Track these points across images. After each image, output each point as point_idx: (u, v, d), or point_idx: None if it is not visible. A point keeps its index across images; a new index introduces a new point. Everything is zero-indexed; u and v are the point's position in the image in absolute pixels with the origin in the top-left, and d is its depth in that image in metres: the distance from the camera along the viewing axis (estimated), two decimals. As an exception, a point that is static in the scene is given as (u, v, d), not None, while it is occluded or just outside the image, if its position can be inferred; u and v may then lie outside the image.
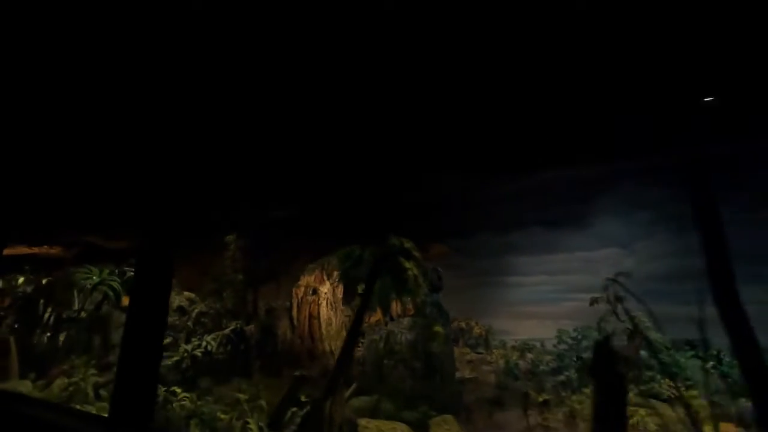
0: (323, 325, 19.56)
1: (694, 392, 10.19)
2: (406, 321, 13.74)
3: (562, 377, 14.53)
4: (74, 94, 6.57)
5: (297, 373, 11.67)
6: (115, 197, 7.22)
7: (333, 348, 19.35)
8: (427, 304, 14.31)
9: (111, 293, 12.78)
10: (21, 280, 17.25)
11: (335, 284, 20.52)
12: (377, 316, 14.31)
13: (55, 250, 13.64)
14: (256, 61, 5.81)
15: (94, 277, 12.51)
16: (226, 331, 15.30)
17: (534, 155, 18.07)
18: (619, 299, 14.77)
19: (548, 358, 17.07)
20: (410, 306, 14.04)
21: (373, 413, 11.13)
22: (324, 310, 19.79)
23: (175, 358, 12.57)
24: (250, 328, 16.50)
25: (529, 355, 17.12)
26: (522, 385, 14.42)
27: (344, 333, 20.46)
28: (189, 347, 13.66)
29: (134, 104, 6.81)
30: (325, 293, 20.13)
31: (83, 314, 12.13)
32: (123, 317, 13.25)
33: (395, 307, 14.22)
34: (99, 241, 12.71)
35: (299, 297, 20.03)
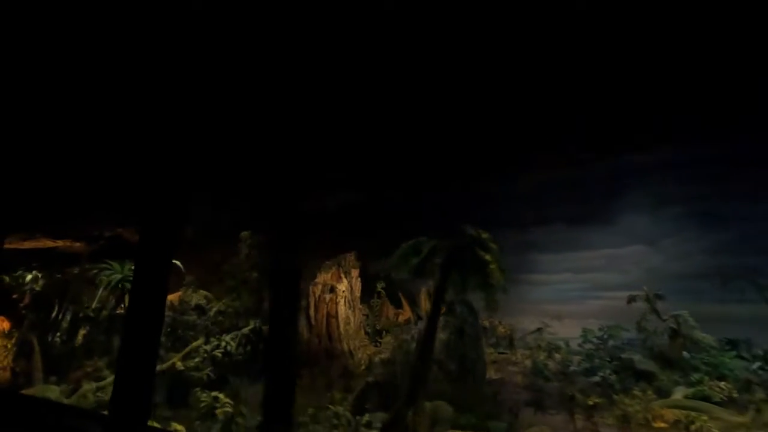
0: (341, 325, 18.97)
1: (762, 395, 9.60)
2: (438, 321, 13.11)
3: (596, 378, 13.96)
4: (92, 86, 6.17)
5: (370, 379, 10.97)
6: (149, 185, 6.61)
7: (351, 348, 18.77)
8: (457, 303, 13.70)
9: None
10: (29, 276, 16.57)
11: (353, 282, 19.93)
12: (405, 314, 13.69)
13: (78, 244, 12.95)
14: (284, 48, 5.38)
15: (117, 274, 11.75)
16: (245, 330, 14.66)
17: (556, 151, 17.58)
18: (659, 297, 14.19)
19: (577, 358, 16.47)
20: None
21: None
22: (342, 309, 19.19)
23: (197, 360, 11.94)
24: (267, 328, 15.80)
25: (557, 355, 16.51)
26: (554, 387, 13.83)
27: (362, 332, 19.92)
28: (209, 348, 13.02)
29: (154, 92, 6.40)
30: (343, 291, 19.54)
31: (104, 313, 11.42)
32: None
33: (424, 305, 13.60)
34: (128, 234, 11.99)
35: (316, 295, 19.43)
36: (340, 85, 6.57)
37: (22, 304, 12.17)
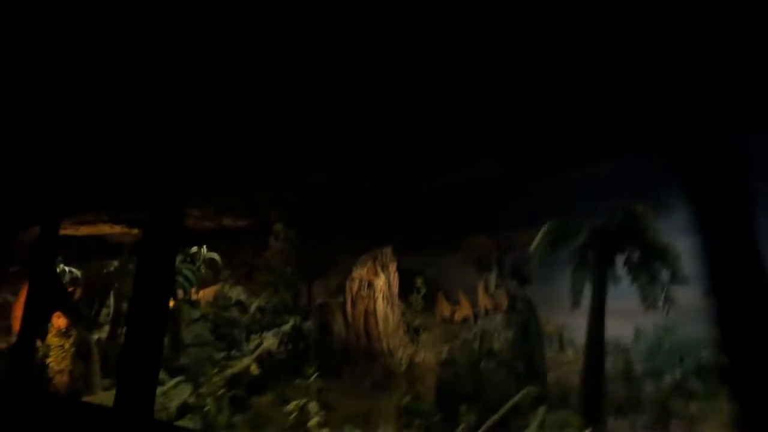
0: (380, 322, 17.99)
1: None
2: (499, 317, 12.18)
3: (667, 379, 12.93)
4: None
5: (527, 390, 9.96)
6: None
7: (391, 347, 17.83)
8: (518, 299, 12.73)
9: (186, 284, 11.13)
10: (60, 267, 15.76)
11: (391, 277, 18.97)
12: (463, 311, 12.75)
13: (136, 231, 12.00)
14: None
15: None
16: (286, 327, 13.78)
17: (605, 140, 16.47)
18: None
19: (633, 358, 15.39)
20: (502, 300, 12.46)
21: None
22: (380, 306, 18.22)
23: (246, 359, 11.07)
24: (308, 325, 14.96)
25: (612, 356, 15.42)
26: (619, 389, 12.81)
27: (401, 330, 18.98)
28: (252, 346, 12.15)
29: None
30: (381, 287, 18.56)
31: None
32: (193, 312, 11.93)
33: (483, 301, 12.65)
34: (193, 218, 11.01)
35: (353, 291, 18.46)
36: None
37: (75, 298, 11.26)
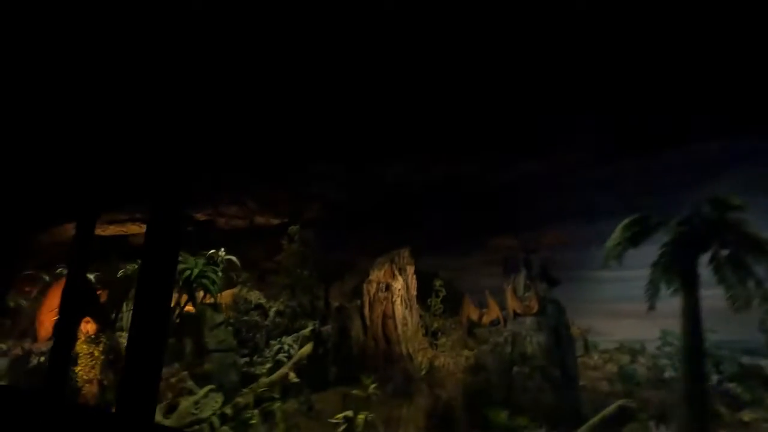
0: (399, 326, 17.54)
1: None
2: (529, 321, 11.70)
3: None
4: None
5: (621, 403, 9.40)
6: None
7: (411, 351, 17.36)
8: (548, 301, 12.26)
9: (212, 286, 10.66)
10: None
11: (409, 279, 18.53)
12: (492, 314, 12.28)
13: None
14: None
15: (195, 269, 10.30)
16: (305, 332, 13.35)
17: (631, 136, 16.03)
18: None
19: (665, 362, 14.88)
20: (531, 303, 11.99)
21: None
22: (399, 309, 17.79)
23: (268, 365, 10.63)
24: (327, 329, 14.54)
25: (642, 360, 14.94)
26: (654, 395, 12.30)
27: (420, 334, 18.50)
28: (272, 351, 11.72)
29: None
30: (399, 290, 18.12)
31: (176, 312, 10.02)
32: (216, 316, 11.52)
33: (512, 304, 12.18)
34: (229, 216, 10.52)
35: (371, 294, 18.02)
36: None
37: (102, 301, 10.74)
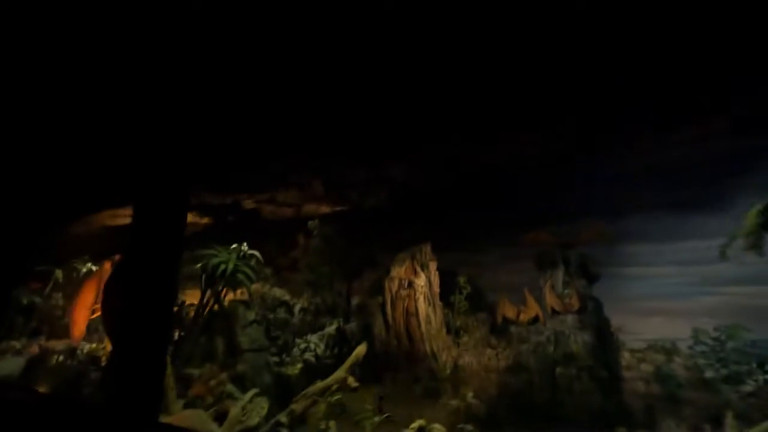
0: (422, 324, 17.00)
1: None
2: (570, 318, 11.13)
3: (748, 387, 11.85)
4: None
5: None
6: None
7: (435, 349, 16.83)
8: (588, 298, 11.69)
9: (248, 283, 10.01)
10: (86, 266, 14.83)
11: (432, 276, 17.98)
12: (530, 312, 11.72)
13: (205, 220, 10.81)
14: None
15: (230, 263, 9.57)
16: (330, 330, 12.80)
17: (655, 128, 15.43)
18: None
19: (703, 362, 14.32)
20: (572, 300, 11.42)
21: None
22: (422, 306, 17.24)
23: (299, 365, 10.07)
24: (350, 327, 13.99)
25: (678, 359, 14.38)
26: (700, 397, 11.76)
27: (444, 332, 17.95)
28: (299, 350, 11.17)
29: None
30: (422, 286, 17.58)
31: (206, 309, 9.34)
32: (249, 314, 10.93)
33: (550, 301, 11.62)
34: (276, 204, 9.73)
35: (393, 291, 17.48)
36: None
37: None
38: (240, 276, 9.45)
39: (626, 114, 12.63)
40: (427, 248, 18.41)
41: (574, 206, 19.16)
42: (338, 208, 11.83)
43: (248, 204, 9.75)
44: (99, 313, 6.17)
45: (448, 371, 16.56)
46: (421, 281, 17.60)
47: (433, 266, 18.12)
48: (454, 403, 14.04)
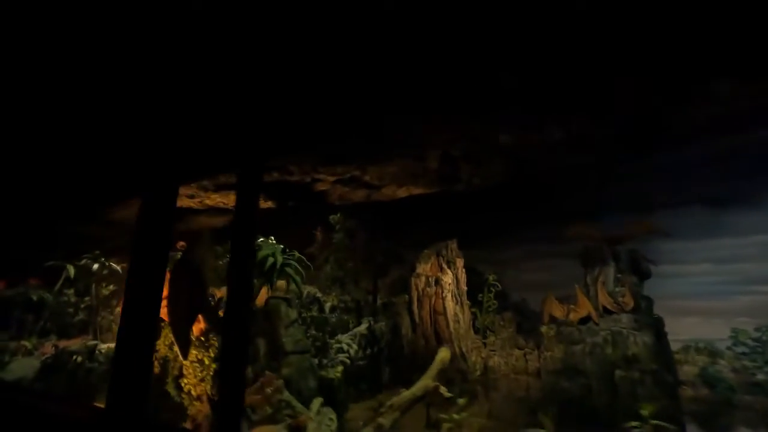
0: (450, 323, 16.25)
1: None
2: (625, 318, 10.42)
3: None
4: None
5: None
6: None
7: (464, 349, 16.10)
8: (640, 297, 10.98)
9: (297, 278, 9.12)
10: (95, 266, 13.98)
11: (459, 273, 17.24)
12: (581, 311, 11.00)
13: (269, 203, 9.91)
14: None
15: (278, 255, 8.67)
16: (362, 329, 12.07)
17: (688, 120, 14.75)
18: None
19: (750, 363, 13.66)
20: (626, 298, 10.71)
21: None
22: (450, 305, 16.50)
23: (340, 368, 9.29)
24: (380, 326, 13.26)
25: (722, 361, 13.71)
26: (758, 401, 11.08)
27: (472, 332, 17.22)
28: (333, 353, 10.41)
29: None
30: (449, 284, 16.84)
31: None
32: (291, 312, 10.10)
33: (602, 300, 10.91)
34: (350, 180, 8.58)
35: (419, 289, 16.74)
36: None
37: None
38: (289, 270, 8.65)
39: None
40: (453, 245, 17.67)
41: (604, 202, 18.48)
42: (429, 190, 10.89)
43: (323, 185, 8.88)
44: (164, 308, 5.39)
45: (478, 372, 15.87)
46: (448, 279, 16.86)
47: (459, 263, 17.38)
48: (487, 406, 13.32)
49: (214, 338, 6.34)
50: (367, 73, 3.80)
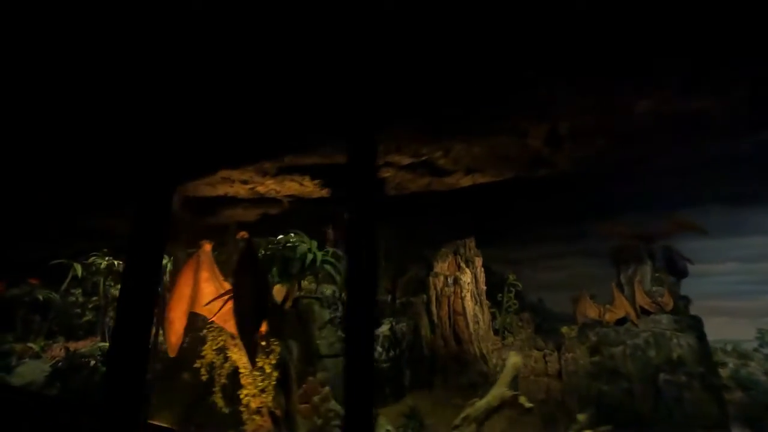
0: (470, 324, 15.78)
1: None
2: (665, 319, 9.97)
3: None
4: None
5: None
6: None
7: (485, 351, 15.62)
8: (678, 296, 10.54)
9: (337, 276, 8.57)
10: (104, 264, 13.37)
11: (478, 272, 16.76)
12: (618, 311, 10.54)
13: (324, 191, 9.21)
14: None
15: (317, 252, 8.05)
16: (384, 330, 11.58)
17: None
18: None
19: (780, 366, 13.20)
20: (665, 298, 10.26)
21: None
22: (469, 305, 16.03)
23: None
24: (401, 327, 12.78)
25: (752, 363, 13.28)
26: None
27: (492, 333, 16.77)
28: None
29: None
30: (468, 283, 16.35)
31: (287, 304, 7.82)
32: (324, 313, 9.61)
33: (640, 300, 10.45)
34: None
35: (438, 288, 16.25)
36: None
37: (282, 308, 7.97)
38: (327, 267, 8.12)
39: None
40: (471, 243, 17.21)
41: (618, 201, 18.00)
42: (496, 178, 10.26)
43: (389, 171, 8.25)
44: (230, 304, 4.83)
45: (498, 375, 15.41)
46: (467, 278, 16.39)
47: (478, 262, 16.91)
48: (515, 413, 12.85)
49: (276, 342, 5.76)
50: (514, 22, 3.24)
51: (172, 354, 5.42)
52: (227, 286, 5.73)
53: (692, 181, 18.29)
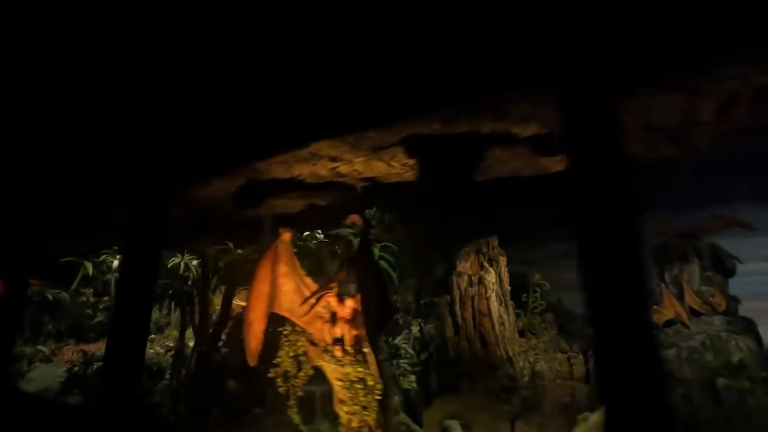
0: (496, 326, 15.23)
1: None
2: (717, 320, 9.47)
3: None
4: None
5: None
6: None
7: (511, 354, 15.06)
8: (728, 296, 10.04)
9: (393, 272, 7.97)
10: (116, 262, 12.70)
11: (502, 272, 16.21)
12: (667, 312, 10.01)
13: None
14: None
15: (375, 248, 7.42)
16: (414, 331, 11.03)
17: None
18: None
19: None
20: (717, 299, 9.76)
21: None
22: (494, 306, 15.50)
23: (413, 378, 8.18)
24: (428, 328, 12.22)
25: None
26: None
27: (517, 334, 16.23)
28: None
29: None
30: (493, 283, 15.81)
31: None
32: None
33: (689, 300, 9.94)
34: None
35: (462, 289, 15.69)
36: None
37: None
38: (383, 264, 7.53)
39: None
40: (494, 241, 16.67)
41: (646, 199, 17.51)
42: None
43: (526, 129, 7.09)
44: (358, 304, 4.19)
45: (527, 378, 14.86)
46: (491, 278, 15.85)
47: (503, 261, 16.38)
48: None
49: (367, 350, 4.91)
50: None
51: (252, 362, 4.73)
52: (308, 282, 5.13)
53: (722, 177, 17.84)
